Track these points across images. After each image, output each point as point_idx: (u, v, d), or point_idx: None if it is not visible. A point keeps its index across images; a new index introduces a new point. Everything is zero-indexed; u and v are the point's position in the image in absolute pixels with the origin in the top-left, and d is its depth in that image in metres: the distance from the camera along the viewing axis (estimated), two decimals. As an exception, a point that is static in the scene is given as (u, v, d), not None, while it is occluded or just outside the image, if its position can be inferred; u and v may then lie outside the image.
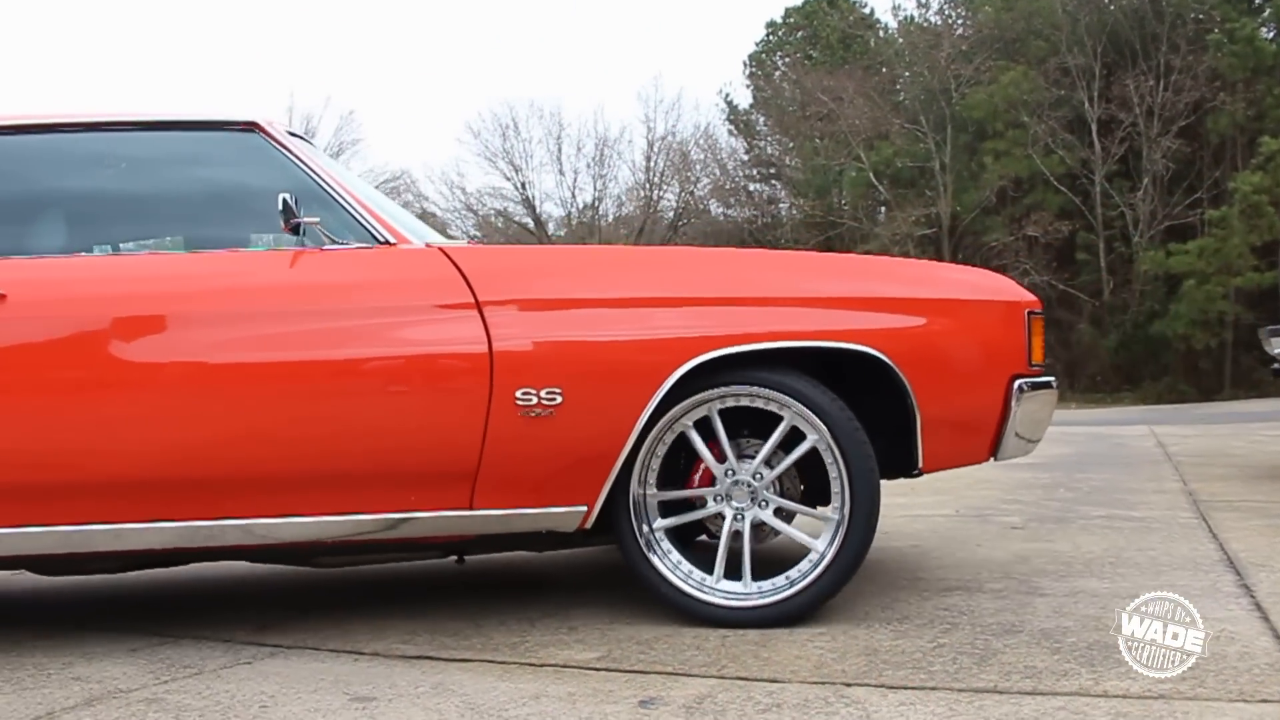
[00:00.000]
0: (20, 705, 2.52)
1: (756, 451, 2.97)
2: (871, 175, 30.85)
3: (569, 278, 3.04)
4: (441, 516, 2.90)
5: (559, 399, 2.81)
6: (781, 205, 35.74)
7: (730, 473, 2.98)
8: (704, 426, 2.96)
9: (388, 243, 2.96)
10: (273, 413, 2.84)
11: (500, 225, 36.93)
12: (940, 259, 27.96)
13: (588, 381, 2.84)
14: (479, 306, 2.84)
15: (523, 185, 35.43)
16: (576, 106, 69.27)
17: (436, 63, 62.15)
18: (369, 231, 2.97)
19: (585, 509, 2.92)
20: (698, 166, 36.06)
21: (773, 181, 36.17)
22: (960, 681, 2.41)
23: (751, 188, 36.31)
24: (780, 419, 2.92)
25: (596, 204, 36.05)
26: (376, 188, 31.75)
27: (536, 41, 59.43)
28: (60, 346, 2.86)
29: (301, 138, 3.31)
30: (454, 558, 3.44)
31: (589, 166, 35.99)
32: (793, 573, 2.94)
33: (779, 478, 3.02)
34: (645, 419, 2.85)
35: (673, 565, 2.97)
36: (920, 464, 3.03)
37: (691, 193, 36.07)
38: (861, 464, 2.88)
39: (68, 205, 3.30)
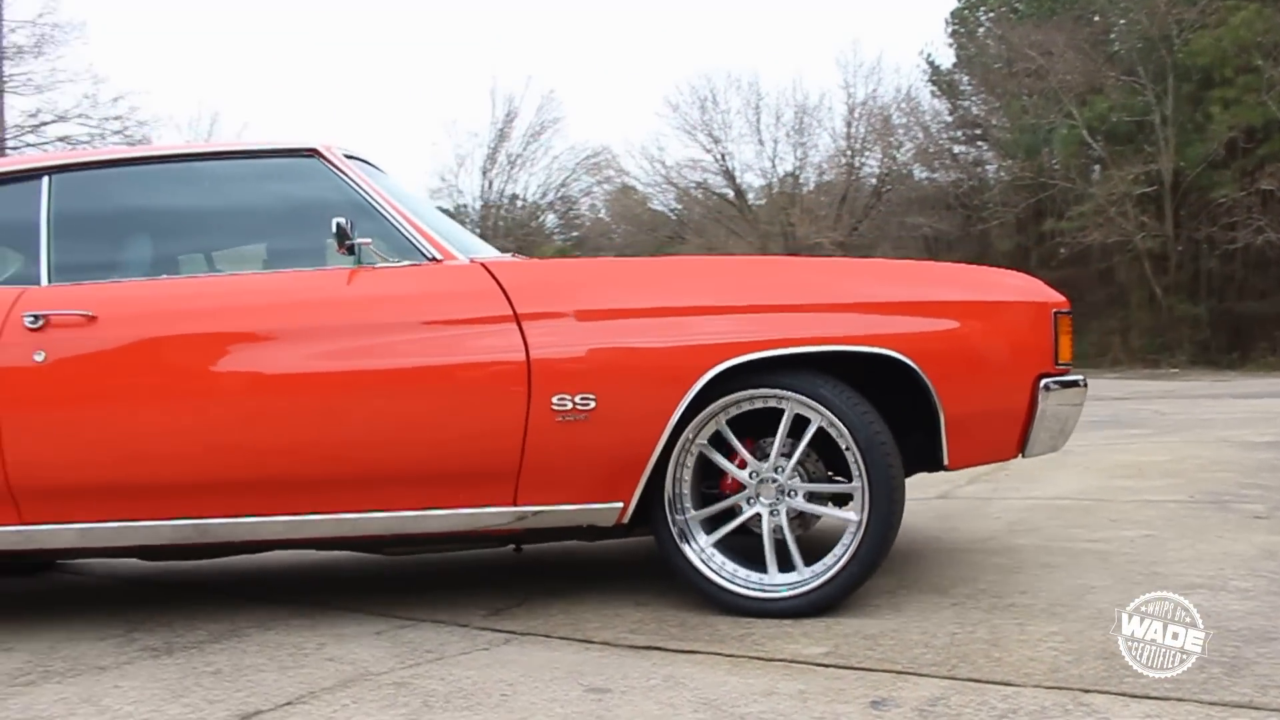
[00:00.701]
0: (286, 683, 2.72)
1: (787, 450, 3.08)
2: (1085, 132, 29.33)
3: (601, 290, 3.18)
4: (487, 513, 3.10)
5: (593, 404, 2.99)
6: (988, 167, 34.45)
7: (755, 474, 3.11)
8: (736, 429, 3.11)
9: (435, 259, 3.18)
10: (346, 417, 3.08)
11: (700, 197, 36.98)
12: (1162, 219, 26.46)
13: (619, 388, 3.01)
14: (517, 319, 3.04)
15: (722, 157, 35.32)
16: (774, 76, 68.53)
17: (635, 39, 62.64)
18: (418, 249, 3.18)
19: (621, 505, 3.09)
20: (900, 131, 35.12)
21: (979, 143, 34.90)
22: (1210, 694, 2.31)
23: (956, 150, 35.13)
24: (808, 421, 3.03)
25: (797, 173, 35.65)
26: (577, 164, 32.24)
27: (733, 13, 59.07)
28: (149, 356, 3.15)
29: (361, 160, 3.51)
30: (512, 546, 3.60)
31: (788, 135, 35.52)
32: (817, 566, 3.06)
33: (804, 470, 3.12)
34: (674, 422, 3.00)
35: (706, 557, 3.14)
36: (945, 460, 3.09)
37: (894, 158, 35.17)
38: (880, 462, 2.95)
39: (151, 231, 3.62)
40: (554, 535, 3.42)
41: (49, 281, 3.25)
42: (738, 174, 35.68)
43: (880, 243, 31.95)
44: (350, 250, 3.09)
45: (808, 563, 3.07)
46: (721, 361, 2.98)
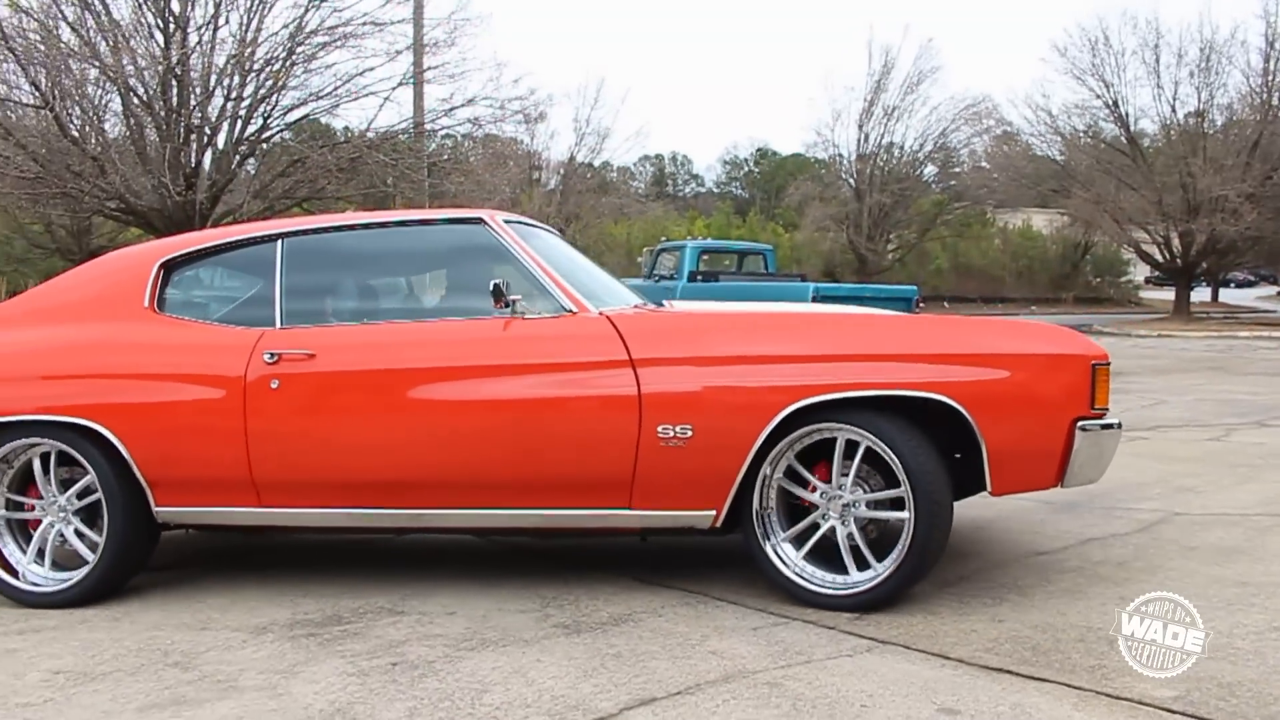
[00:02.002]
0: (676, 673, 3.16)
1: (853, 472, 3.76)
2: None
3: (700, 340, 3.90)
4: (610, 514, 3.89)
5: (690, 433, 3.74)
6: None
7: (824, 495, 3.80)
8: (825, 449, 3.79)
9: (571, 311, 3.96)
10: (500, 436, 3.87)
11: (1088, 145, 34.81)
12: None
13: (712, 420, 3.74)
14: (632, 363, 3.79)
15: (1114, 102, 33.01)
16: (1175, 11, 62.69)
17: (1019, -23, 59.31)
18: (559, 303, 3.98)
19: (714, 513, 3.84)
20: (1331, 64, 31.27)
21: None
22: None
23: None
24: (863, 444, 3.70)
25: (1202, 114, 32.70)
26: (956, 115, 31.22)
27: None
28: (354, 386, 4.04)
29: (520, 222, 4.43)
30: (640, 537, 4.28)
31: (1191, 76, 32.63)
32: (869, 572, 3.72)
33: (866, 484, 3.78)
34: (756, 449, 3.71)
35: (784, 557, 3.85)
36: (989, 488, 3.69)
37: (1323, 96, 31.41)
38: (925, 486, 3.60)
39: (356, 284, 4.64)
40: (666, 532, 4.10)
41: (281, 325, 4.17)
42: (1132, 120, 33.24)
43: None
44: (506, 304, 3.89)
45: (861, 567, 3.75)
46: (795, 401, 3.67)
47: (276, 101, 16.66)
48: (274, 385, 4.00)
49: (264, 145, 18.11)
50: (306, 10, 15.85)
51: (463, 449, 3.91)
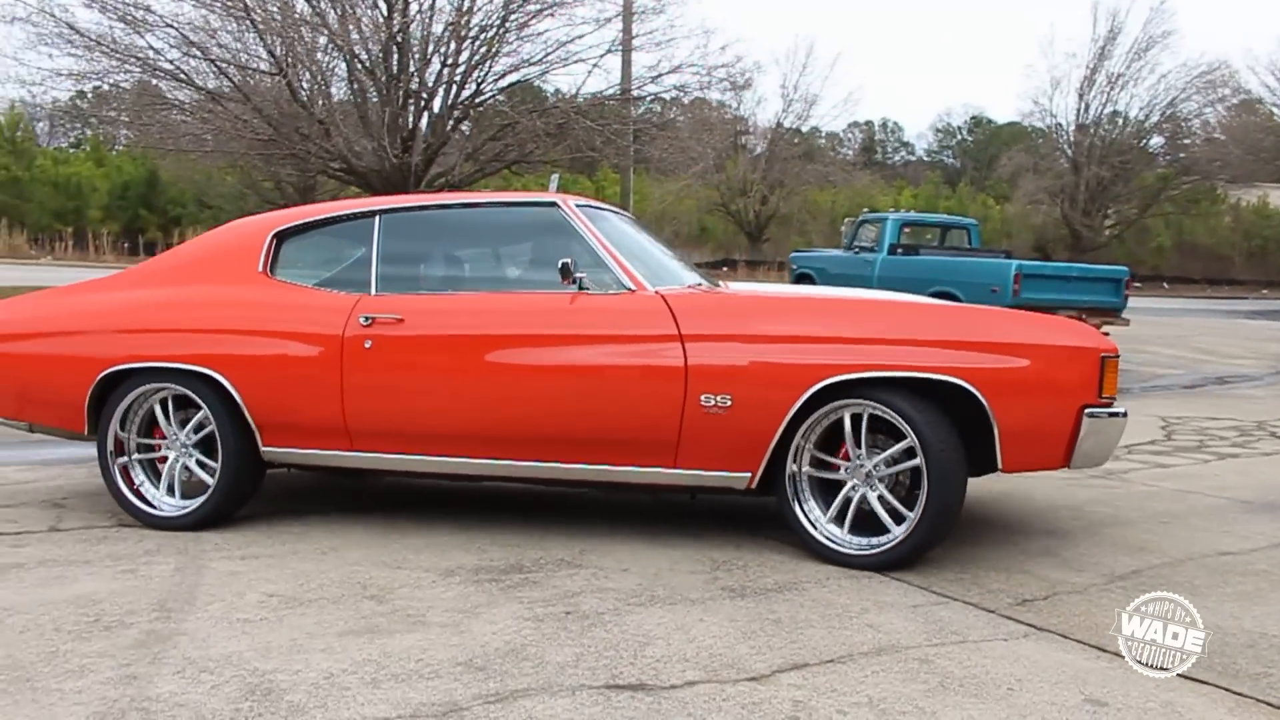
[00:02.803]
0: (830, 642, 3.29)
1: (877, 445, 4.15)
2: None
3: (742, 319, 4.29)
4: (656, 472, 4.30)
5: (730, 402, 4.12)
6: None
7: (848, 468, 4.17)
8: (854, 422, 4.13)
9: (630, 289, 4.35)
10: (563, 397, 4.32)
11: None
12: None
13: (749, 392, 4.12)
14: (681, 338, 4.19)
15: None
16: None
17: (1270, -67, 55.07)
18: (620, 282, 4.38)
19: (750, 475, 4.21)
20: None
21: None
22: None
23: None
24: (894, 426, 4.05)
25: None
26: (1188, 83, 29.52)
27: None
28: (436, 348, 4.50)
29: (590, 206, 4.86)
30: (689, 496, 4.82)
31: None
32: (887, 535, 4.09)
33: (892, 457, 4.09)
34: (788, 420, 4.08)
35: (813, 519, 4.21)
36: (1000, 465, 4.03)
37: None
38: (939, 458, 3.95)
39: (442, 256, 5.09)
40: (708, 491, 4.45)
41: (376, 292, 4.64)
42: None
43: None
44: (573, 280, 4.30)
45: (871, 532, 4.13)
46: (825, 379, 4.04)
47: (490, 68, 17.20)
48: (367, 345, 4.49)
49: (477, 109, 18.78)
50: (522, -21, 16.31)
51: (529, 408, 4.37)
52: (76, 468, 5.86)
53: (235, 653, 3.15)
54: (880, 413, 4.05)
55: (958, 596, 3.77)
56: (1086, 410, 4.00)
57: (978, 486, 5.62)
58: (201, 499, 4.63)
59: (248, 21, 15.11)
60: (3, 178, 36.63)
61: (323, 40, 16.36)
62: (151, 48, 15.61)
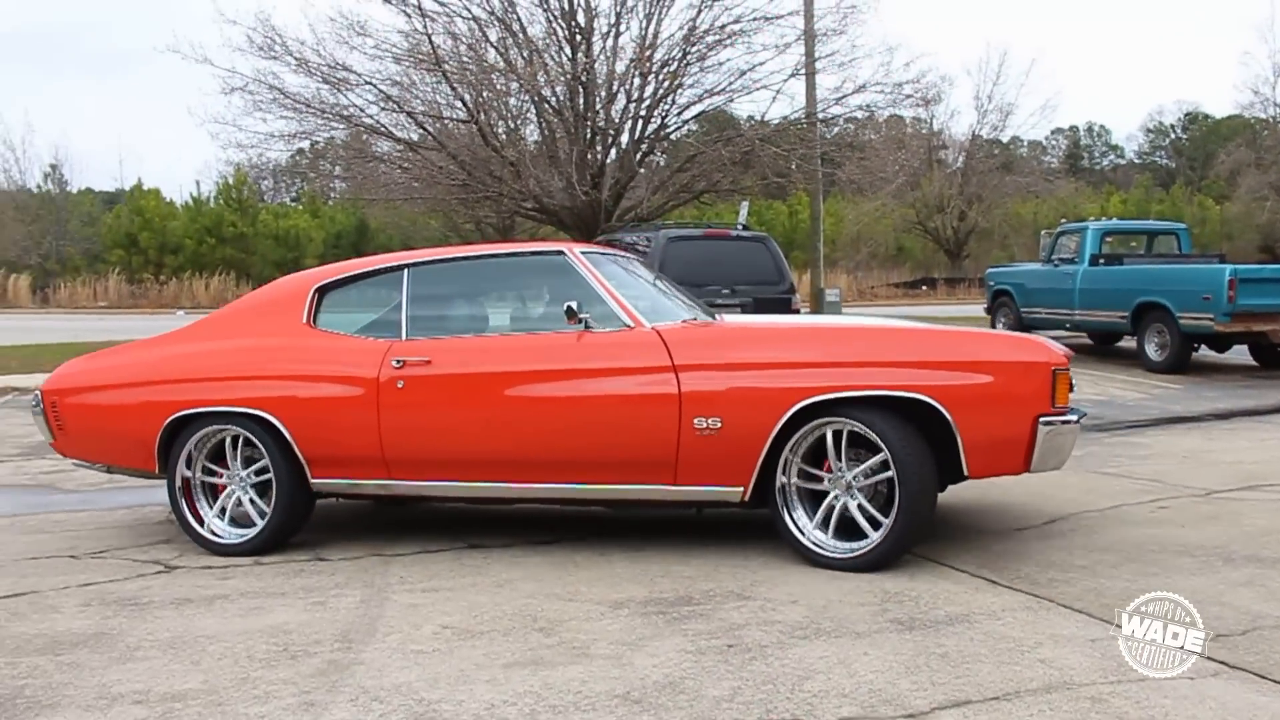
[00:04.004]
0: (997, 678, 3.16)
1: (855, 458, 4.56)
2: None
3: (729, 349, 4.76)
4: (659, 489, 4.71)
5: (720, 424, 4.55)
6: None
7: (830, 479, 4.58)
8: (835, 438, 4.53)
9: (630, 326, 4.79)
10: (573, 425, 4.76)
11: None
12: None
13: (737, 414, 4.55)
14: (674, 368, 4.63)
15: None
16: None
17: None
18: (620, 320, 4.82)
19: (742, 489, 4.62)
20: None
21: None
22: None
23: None
24: (861, 434, 4.49)
25: None
26: None
27: None
28: (460, 386, 4.93)
29: (595, 252, 5.42)
30: (694, 510, 5.21)
31: None
32: (866, 539, 4.47)
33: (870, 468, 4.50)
34: (772, 439, 4.50)
35: (800, 527, 4.61)
36: (966, 471, 4.45)
37: None
38: (911, 468, 4.37)
39: (464, 303, 5.56)
40: (707, 505, 4.89)
41: (406, 337, 5.09)
42: None
43: None
44: (578, 321, 4.74)
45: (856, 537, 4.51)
46: (803, 400, 4.46)
47: (674, 100, 17.46)
48: (399, 385, 4.95)
49: (663, 142, 19.06)
50: (699, 11, 16.48)
51: (544, 435, 4.81)
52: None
53: (406, 683, 3.29)
54: (857, 429, 4.46)
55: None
56: (1041, 419, 4.41)
57: (1186, 508, 5.34)
58: (258, 528, 5.11)
59: (440, 73, 15.81)
60: (230, 234, 39.31)
61: (512, 85, 16.96)
62: (355, 105, 16.54)
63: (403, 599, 4.25)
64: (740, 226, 12.07)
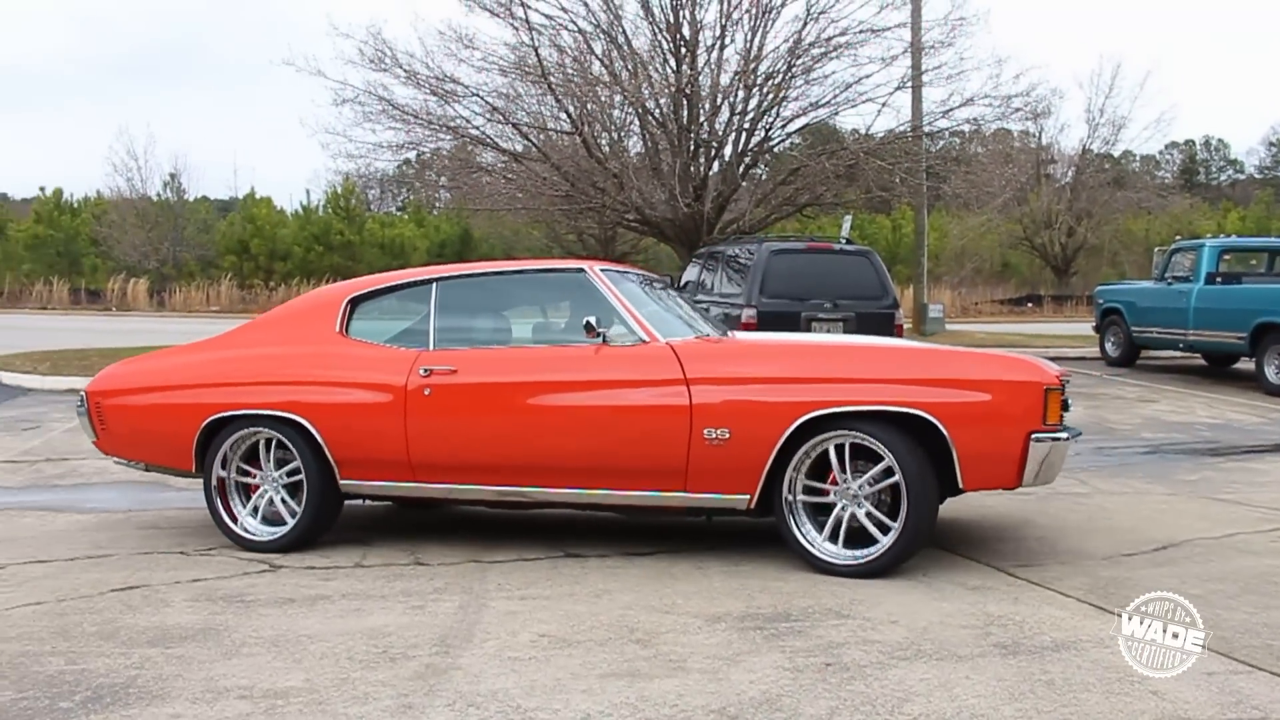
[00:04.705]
0: (1105, 709, 3.06)
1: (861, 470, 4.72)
2: None
3: (737, 364, 4.98)
4: (670, 495, 4.89)
5: (728, 435, 4.74)
6: None
7: (837, 490, 4.74)
8: (839, 452, 4.72)
9: (645, 341, 4.99)
10: (590, 433, 4.93)
11: None
12: None
13: (744, 426, 4.74)
14: (686, 381, 4.83)
15: None
16: None
17: None
18: (636, 335, 5.01)
19: (748, 497, 4.80)
20: None
21: None
22: None
23: None
24: (868, 447, 4.67)
25: None
26: None
27: None
28: (484, 394, 5.13)
29: (615, 270, 5.56)
30: (704, 517, 5.38)
31: None
32: (875, 545, 4.66)
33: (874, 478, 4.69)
34: (778, 450, 4.68)
35: (807, 535, 4.78)
36: (961, 484, 4.63)
37: None
38: (919, 482, 4.57)
39: (488, 315, 5.70)
40: (714, 513, 5.13)
41: (433, 347, 5.29)
42: None
43: None
44: (597, 334, 4.93)
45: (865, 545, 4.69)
46: (807, 413, 4.65)
47: (778, 113, 17.40)
48: (426, 392, 5.14)
49: (766, 155, 18.99)
50: (805, 24, 16.40)
51: (562, 442, 4.98)
52: (378, 507, 6.34)
53: (503, 689, 3.31)
54: (861, 441, 4.64)
55: (1264, 666, 3.42)
56: (1033, 436, 4.56)
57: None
58: (288, 526, 5.32)
59: (546, 85, 15.98)
60: (338, 242, 40.28)
61: (616, 97, 17.07)
62: (461, 116, 16.81)
63: (500, 605, 4.28)
64: (843, 240, 11.94)
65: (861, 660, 3.54)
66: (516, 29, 16.01)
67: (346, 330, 5.55)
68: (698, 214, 16.75)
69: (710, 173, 17.68)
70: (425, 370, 5.17)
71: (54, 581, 4.76)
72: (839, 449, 4.71)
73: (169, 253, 40.34)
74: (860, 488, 4.68)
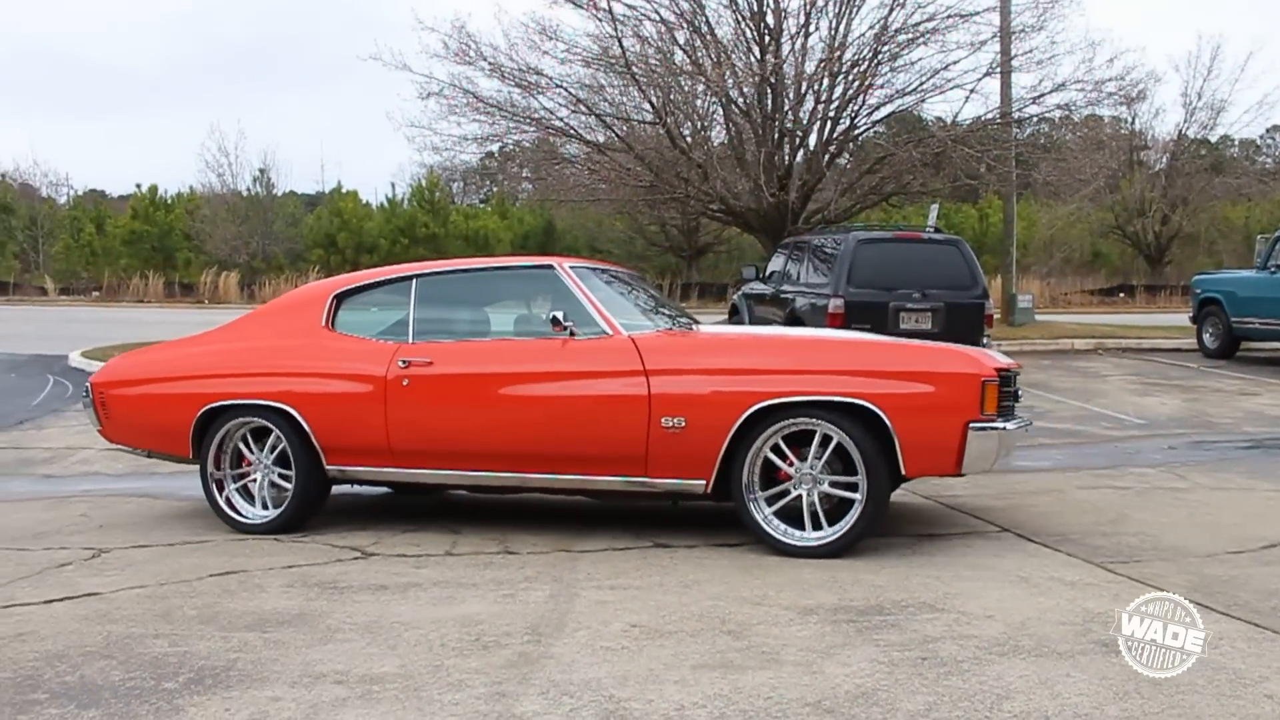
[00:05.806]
0: (1217, 711, 2.96)
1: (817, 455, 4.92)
2: None
3: (692, 356, 5.22)
4: (632, 480, 5.14)
5: (684, 423, 4.99)
6: None
7: (796, 471, 4.94)
8: (791, 442, 4.97)
9: (608, 334, 5.23)
10: (557, 421, 5.22)
11: None
12: None
13: (700, 415, 4.99)
14: (645, 372, 5.07)
15: None
16: None
17: None
18: (600, 328, 5.26)
19: (704, 482, 5.04)
20: None
21: None
22: None
23: None
24: (823, 434, 4.90)
25: None
26: None
27: None
28: (457, 385, 5.40)
29: (584, 266, 5.80)
30: (671, 502, 5.63)
31: None
32: (836, 526, 4.88)
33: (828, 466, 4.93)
34: (731, 437, 4.91)
35: (765, 519, 4.98)
36: (904, 470, 4.88)
37: None
38: (873, 465, 4.80)
39: (463, 309, 5.96)
40: (675, 497, 5.36)
41: (412, 340, 5.57)
42: None
43: None
44: (563, 328, 5.17)
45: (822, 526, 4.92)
46: (759, 402, 4.89)
47: (863, 101, 17.19)
48: (405, 383, 5.42)
49: (851, 144, 18.78)
50: (891, 9, 16.18)
51: (531, 430, 5.24)
52: (467, 496, 6.39)
53: (595, 679, 3.31)
54: (815, 428, 4.86)
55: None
56: (971, 425, 4.79)
57: None
58: (279, 510, 5.62)
59: (629, 76, 15.98)
60: (422, 234, 40.80)
61: (700, 87, 17.01)
62: (545, 108, 16.89)
63: (590, 595, 4.29)
64: (931, 229, 11.76)
65: (958, 655, 3.47)
66: (600, 20, 16.06)
67: (333, 324, 5.85)
68: (782, 204, 16.64)
69: (795, 162, 17.55)
70: (404, 362, 5.45)
71: (155, 566, 4.90)
72: (794, 436, 4.91)
73: (259, 246, 41.24)
74: (818, 471, 4.88)
